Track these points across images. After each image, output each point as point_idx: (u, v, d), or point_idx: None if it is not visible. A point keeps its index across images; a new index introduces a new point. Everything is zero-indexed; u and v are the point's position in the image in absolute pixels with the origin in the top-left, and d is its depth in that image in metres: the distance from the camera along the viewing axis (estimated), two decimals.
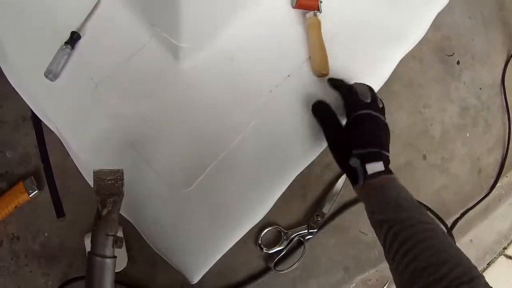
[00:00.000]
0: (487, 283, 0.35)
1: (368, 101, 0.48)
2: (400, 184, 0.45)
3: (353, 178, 0.46)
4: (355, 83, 0.52)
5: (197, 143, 0.52)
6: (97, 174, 0.42)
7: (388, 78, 0.61)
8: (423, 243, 0.37)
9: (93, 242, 0.41)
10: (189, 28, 0.49)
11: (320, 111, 0.52)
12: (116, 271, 0.51)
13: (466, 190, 0.66)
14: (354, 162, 0.45)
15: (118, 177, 0.42)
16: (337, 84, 0.53)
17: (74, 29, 0.55)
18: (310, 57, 0.57)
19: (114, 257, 0.41)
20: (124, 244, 0.48)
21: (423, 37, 0.65)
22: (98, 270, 0.40)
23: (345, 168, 0.47)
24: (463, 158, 0.66)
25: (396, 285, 0.39)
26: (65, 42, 0.54)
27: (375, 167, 0.44)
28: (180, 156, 0.51)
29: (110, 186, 0.41)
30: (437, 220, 0.55)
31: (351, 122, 0.48)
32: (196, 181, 0.51)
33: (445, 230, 0.61)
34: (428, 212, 0.58)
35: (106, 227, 0.40)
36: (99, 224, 0.41)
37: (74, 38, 0.55)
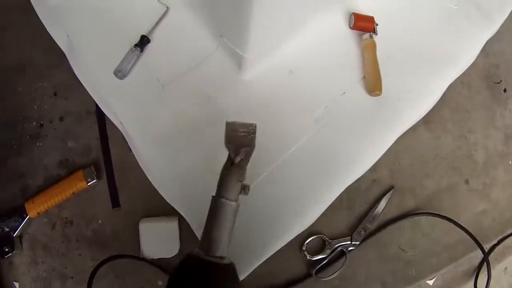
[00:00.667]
0: None
1: None
2: None
3: None
4: None
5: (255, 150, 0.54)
6: (230, 126, 0.43)
7: (437, 102, 0.63)
8: None
9: (222, 186, 0.41)
10: (255, 41, 0.52)
11: None
12: (167, 256, 0.55)
13: (505, 217, 0.66)
14: None
15: (251, 130, 0.43)
16: None
17: (144, 33, 0.59)
18: (364, 76, 0.59)
19: (239, 203, 0.42)
20: (178, 233, 0.54)
21: (472, 64, 0.67)
22: (223, 212, 0.40)
23: None
24: (504, 185, 0.67)
25: None
26: (135, 45, 0.58)
27: None
28: None
29: (242, 137, 0.42)
30: None
31: None
32: (251, 184, 0.53)
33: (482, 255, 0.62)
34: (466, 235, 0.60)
35: (238, 173, 0.41)
36: (231, 170, 0.41)
37: (143, 42, 0.58)
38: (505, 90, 0.71)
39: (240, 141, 0.42)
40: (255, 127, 0.43)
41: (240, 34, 0.51)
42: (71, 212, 0.60)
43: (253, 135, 0.43)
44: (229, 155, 0.43)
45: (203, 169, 0.54)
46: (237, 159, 0.41)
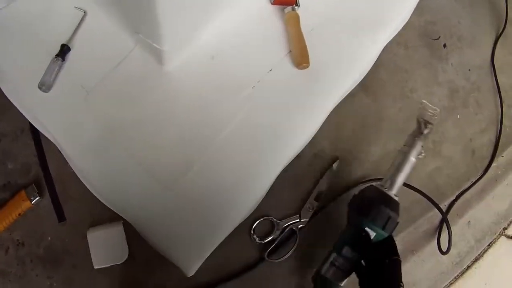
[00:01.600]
0: None
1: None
2: None
3: None
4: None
5: (186, 141, 0.54)
6: (423, 105, 0.53)
7: (373, 66, 0.62)
8: None
9: (412, 148, 0.51)
10: (169, 32, 0.51)
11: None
12: (118, 262, 0.55)
13: (460, 172, 0.66)
14: None
15: (436, 113, 0.52)
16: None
17: (63, 42, 0.58)
18: (290, 51, 0.58)
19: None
20: (125, 237, 0.55)
21: (406, 23, 0.66)
22: (409, 166, 0.51)
23: None
24: (455, 140, 0.66)
25: None
26: (56, 55, 0.57)
27: None
28: (170, 154, 0.53)
29: (429, 116, 0.52)
30: None
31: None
32: (186, 176, 0.52)
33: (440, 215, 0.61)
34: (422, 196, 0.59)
35: (423, 141, 0.52)
36: (421, 137, 0.51)
37: (64, 50, 0.57)
38: (444, 46, 0.70)
39: (427, 118, 0.52)
40: (439, 112, 0.53)
41: (152, 27, 0.50)
42: (21, 233, 0.59)
43: (436, 117, 0.52)
44: (417, 127, 0.53)
45: (137, 170, 0.53)
46: (426, 131, 0.52)
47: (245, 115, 0.55)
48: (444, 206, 0.64)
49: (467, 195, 0.66)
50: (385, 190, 0.51)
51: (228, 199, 0.53)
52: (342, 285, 0.50)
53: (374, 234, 0.49)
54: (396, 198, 0.51)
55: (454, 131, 0.66)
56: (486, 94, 0.70)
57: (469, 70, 0.70)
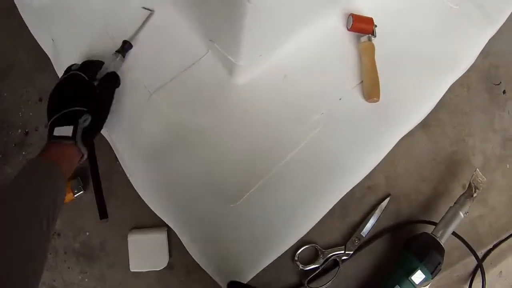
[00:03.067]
0: None
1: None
2: None
3: None
4: None
5: (249, 158, 0.53)
6: (476, 172, 0.57)
7: (436, 104, 0.61)
8: None
9: (464, 206, 0.55)
10: (248, 48, 0.49)
11: None
12: (156, 269, 0.55)
13: (501, 222, 0.65)
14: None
15: (483, 182, 0.56)
16: None
17: (126, 38, 0.56)
18: (362, 81, 0.57)
19: None
20: (167, 245, 0.54)
21: (471, 65, 0.65)
22: (457, 221, 0.55)
23: None
24: (501, 189, 0.65)
25: None
26: (116, 51, 0.55)
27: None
28: (233, 169, 0.52)
29: (478, 182, 0.56)
30: None
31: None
32: (245, 195, 0.52)
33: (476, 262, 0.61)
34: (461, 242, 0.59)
35: (470, 203, 0.56)
36: (471, 199, 0.56)
37: (125, 47, 0.55)
38: (504, 92, 0.69)
39: (476, 185, 0.56)
40: (485, 181, 0.57)
41: (232, 42, 0.49)
42: (58, 224, 0.58)
43: (482, 185, 0.56)
44: (469, 190, 0.56)
45: (193, 180, 0.52)
46: (475, 194, 0.56)
47: (311, 140, 0.54)
48: (480, 253, 0.64)
49: (503, 245, 0.65)
50: (438, 239, 0.54)
51: (283, 223, 0.52)
52: None
53: (424, 277, 0.52)
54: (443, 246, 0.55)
55: (502, 181, 0.66)
56: None
57: None
